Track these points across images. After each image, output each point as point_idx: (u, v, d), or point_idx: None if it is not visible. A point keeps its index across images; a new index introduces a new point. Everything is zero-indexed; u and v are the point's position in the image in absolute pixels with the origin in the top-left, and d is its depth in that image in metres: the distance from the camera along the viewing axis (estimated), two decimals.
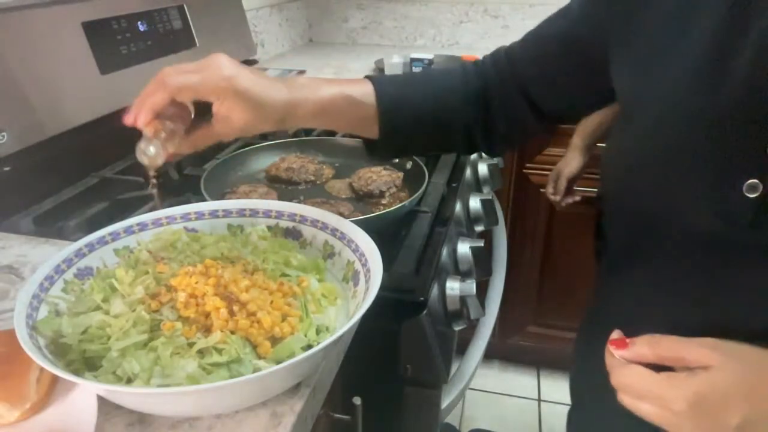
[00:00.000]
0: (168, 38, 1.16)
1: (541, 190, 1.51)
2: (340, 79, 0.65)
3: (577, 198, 1.38)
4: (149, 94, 0.54)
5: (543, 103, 0.67)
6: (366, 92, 0.64)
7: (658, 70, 0.52)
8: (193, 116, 0.59)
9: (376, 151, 0.69)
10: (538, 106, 0.67)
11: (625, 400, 0.46)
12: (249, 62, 1.49)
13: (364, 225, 0.60)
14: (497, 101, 0.68)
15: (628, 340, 0.47)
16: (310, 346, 0.49)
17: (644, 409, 0.44)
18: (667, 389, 0.43)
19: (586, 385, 0.77)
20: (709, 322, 0.49)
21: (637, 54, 0.55)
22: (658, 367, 0.45)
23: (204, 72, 0.54)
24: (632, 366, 0.46)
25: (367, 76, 0.66)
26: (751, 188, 0.44)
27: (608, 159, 0.61)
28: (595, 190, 0.88)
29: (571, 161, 1.33)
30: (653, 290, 0.57)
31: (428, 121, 0.67)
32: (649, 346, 0.46)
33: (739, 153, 0.45)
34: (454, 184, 1.00)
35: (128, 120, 0.55)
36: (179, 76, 0.53)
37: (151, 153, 0.55)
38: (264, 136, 1.17)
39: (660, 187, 0.51)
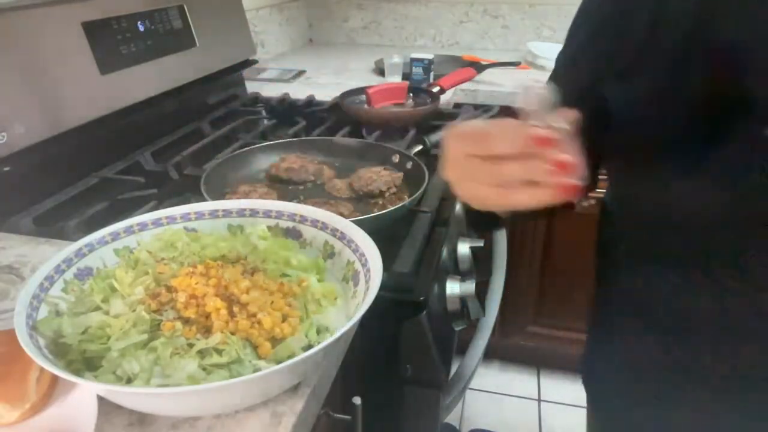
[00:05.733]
0: (168, 38, 1.15)
1: None
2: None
3: None
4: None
5: None
6: None
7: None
8: None
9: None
10: None
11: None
12: (249, 62, 1.49)
13: (364, 225, 0.60)
14: None
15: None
16: (310, 347, 0.49)
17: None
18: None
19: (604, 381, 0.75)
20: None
21: None
22: None
23: None
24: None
25: None
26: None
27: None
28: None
29: None
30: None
31: None
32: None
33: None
34: None
35: None
36: None
37: None
38: (264, 136, 1.17)
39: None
